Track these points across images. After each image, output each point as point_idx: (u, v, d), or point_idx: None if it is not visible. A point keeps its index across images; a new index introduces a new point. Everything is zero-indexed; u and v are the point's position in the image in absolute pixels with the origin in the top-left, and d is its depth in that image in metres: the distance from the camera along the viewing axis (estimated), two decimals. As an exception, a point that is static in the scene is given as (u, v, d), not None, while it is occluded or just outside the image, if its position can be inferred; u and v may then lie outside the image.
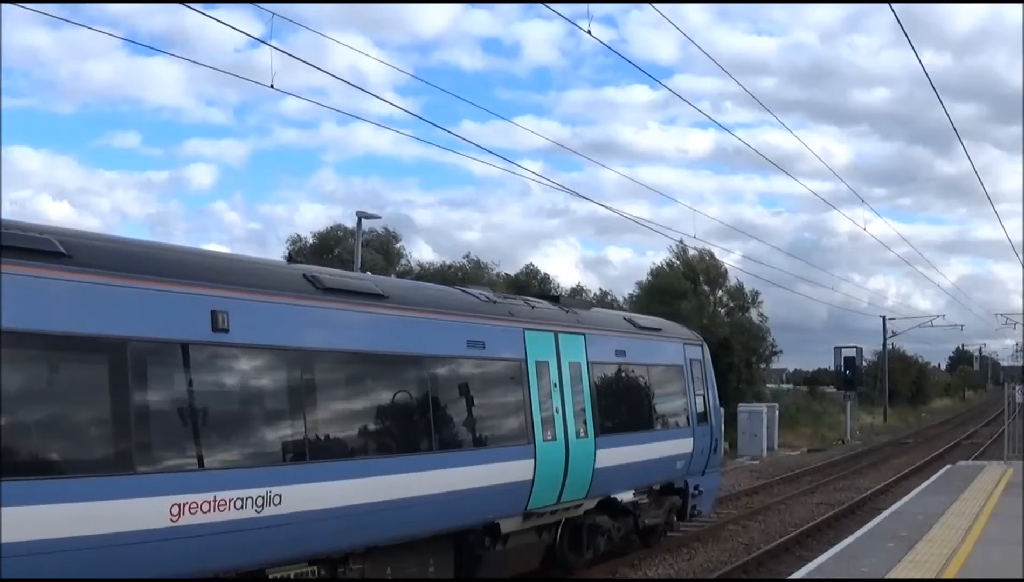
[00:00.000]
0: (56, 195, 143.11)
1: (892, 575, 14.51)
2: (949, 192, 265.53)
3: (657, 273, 59.85)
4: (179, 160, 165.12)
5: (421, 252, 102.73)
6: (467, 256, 57.69)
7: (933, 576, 14.35)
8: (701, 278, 59.35)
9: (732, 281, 60.62)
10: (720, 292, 60.60)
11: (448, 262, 57.48)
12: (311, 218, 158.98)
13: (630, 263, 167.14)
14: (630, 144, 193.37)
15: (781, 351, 63.36)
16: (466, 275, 49.35)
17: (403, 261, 55.34)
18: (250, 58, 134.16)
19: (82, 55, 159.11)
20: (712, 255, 58.86)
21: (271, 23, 16.25)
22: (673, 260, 59.52)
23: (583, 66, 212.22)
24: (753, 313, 60.34)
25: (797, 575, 14.99)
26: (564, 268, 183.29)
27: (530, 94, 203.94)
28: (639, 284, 60.37)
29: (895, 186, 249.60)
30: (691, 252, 58.08)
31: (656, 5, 17.88)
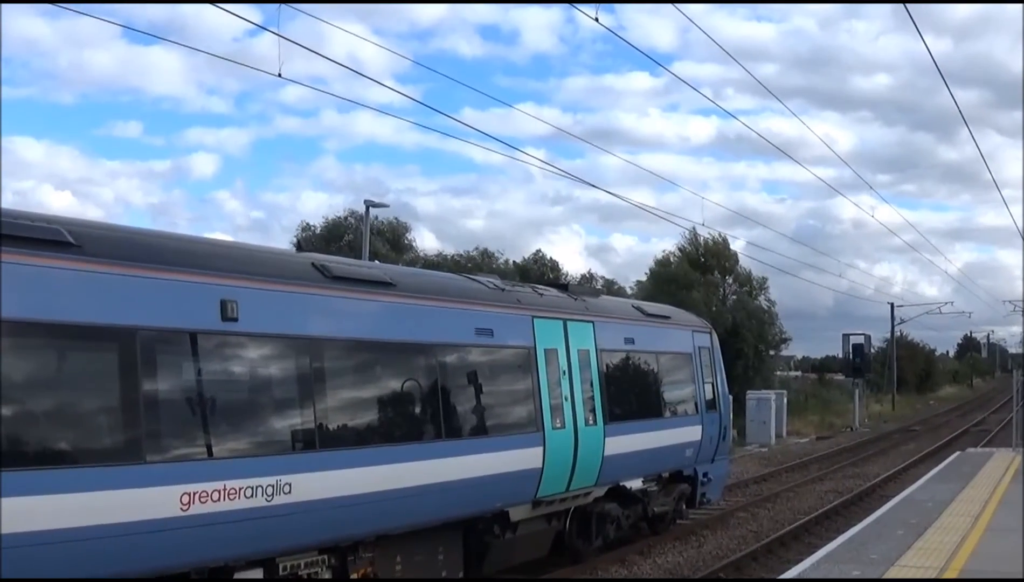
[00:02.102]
0: (58, 185, 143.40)
1: (901, 562, 14.50)
2: (952, 178, 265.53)
3: (663, 262, 59.80)
4: (181, 149, 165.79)
5: (424, 240, 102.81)
6: (477, 248, 57.92)
7: (943, 563, 14.33)
8: (713, 265, 59.24)
9: (742, 269, 60.60)
10: (730, 279, 60.54)
11: (457, 252, 57.66)
12: (314, 206, 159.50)
13: (635, 250, 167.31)
14: (631, 131, 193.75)
15: (791, 338, 63.20)
16: (475, 265, 49.32)
17: (410, 253, 55.43)
18: (249, 47, 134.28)
19: (81, 44, 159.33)
20: (726, 242, 58.88)
21: (278, 12, 16.23)
22: (686, 246, 59.46)
23: (582, 53, 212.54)
24: (761, 299, 60.23)
25: (806, 563, 14.96)
26: (569, 255, 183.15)
27: (529, 81, 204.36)
28: (647, 273, 60.38)
29: (898, 172, 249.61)
30: (702, 238, 58.14)
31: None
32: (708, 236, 58.00)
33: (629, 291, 57.55)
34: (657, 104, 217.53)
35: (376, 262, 20.00)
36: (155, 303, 10.16)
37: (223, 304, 10.78)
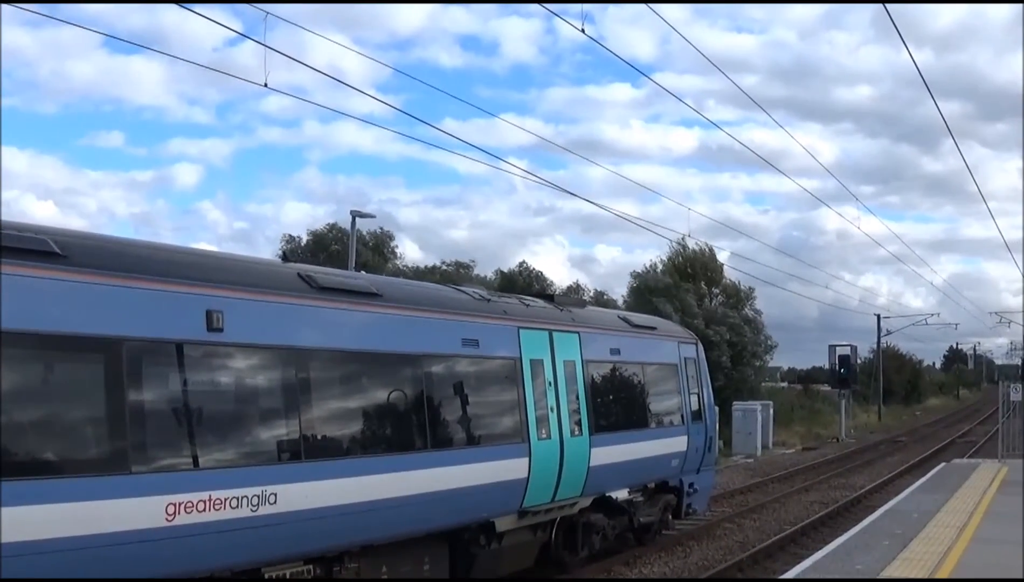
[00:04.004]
0: (41, 195, 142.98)
1: (886, 573, 14.54)
2: (936, 190, 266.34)
3: (640, 275, 59.77)
4: (163, 159, 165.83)
5: (406, 249, 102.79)
6: (444, 262, 58.08)
7: (927, 574, 14.38)
8: (700, 276, 59.08)
9: (729, 280, 60.48)
10: (716, 290, 60.46)
11: (430, 264, 57.77)
12: (296, 217, 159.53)
13: (618, 261, 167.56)
14: (614, 142, 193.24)
15: (777, 345, 63.14)
16: (447, 276, 49.25)
17: (396, 260, 55.48)
18: (229, 57, 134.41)
19: (62, 54, 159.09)
20: (712, 253, 58.88)
21: (264, 21, 16.25)
22: (675, 258, 59.30)
23: (562, 63, 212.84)
24: (747, 310, 60.19)
25: (792, 573, 15.01)
26: (553, 266, 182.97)
27: (511, 93, 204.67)
28: (631, 286, 60.37)
29: (882, 184, 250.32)
30: (690, 248, 58.12)
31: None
32: (696, 247, 58.07)
33: (622, 303, 57.48)
34: (639, 115, 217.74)
35: (362, 273, 20.01)
36: (141, 313, 10.16)
37: (209, 315, 10.78)
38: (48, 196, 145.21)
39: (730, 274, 60.49)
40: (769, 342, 61.57)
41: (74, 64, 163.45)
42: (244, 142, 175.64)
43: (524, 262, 62.68)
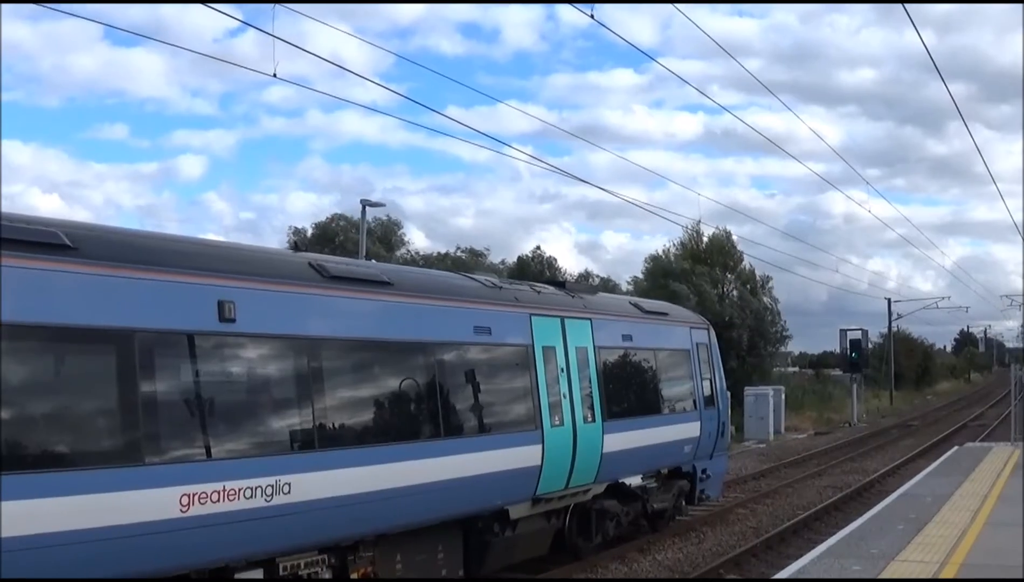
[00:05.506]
0: (46, 188, 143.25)
1: (901, 557, 14.51)
2: (942, 172, 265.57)
3: (657, 258, 59.61)
4: (167, 151, 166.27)
5: (413, 238, 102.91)
6: (459, 248, 58.06)
7: (943, 558, 14.35)
8: (716, 261, 58.80)
9: (746, 266, 60.24)
10: (730, 276, 60.23)
11: (442, 251, 57.80)
12: (302, 207, 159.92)
13: (625, 248, 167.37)
14: (617, 128, 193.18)
15: (791, 336, 63.12)
16: (460, 264, 49.28)
17: (403, 249, 55.50)
18: (230, 47, 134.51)
19: (63, 47, 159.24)
20: (729, 236, 58.67)
21: (273, 11, 16.19)
22: (687, 241, 59.04)
23: (564, 50, 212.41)
24: (763, 296, 60.04)
25: (806, 558, 14.97)
26: (560, 253, 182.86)
27: (513, 80, 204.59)
28: (644, 269, 60.21)
29: (887, 167, 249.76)
30: (704, 234, 57.98)
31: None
32: (713, 231, 57.87)
33: (627, 289, 57.39)
34: (642, 100, 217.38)
35: (372, 261, 19.99)
36: (152, 305, 10.15)
37: (220, 305, 10.76)
38: (53, 189, 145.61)
39: (746, 260, 60.31)
40: (785, 332, 61.62)
41: (76, 57, 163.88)
42: (248, 133, 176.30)
43: (539, 247, 62.67)
